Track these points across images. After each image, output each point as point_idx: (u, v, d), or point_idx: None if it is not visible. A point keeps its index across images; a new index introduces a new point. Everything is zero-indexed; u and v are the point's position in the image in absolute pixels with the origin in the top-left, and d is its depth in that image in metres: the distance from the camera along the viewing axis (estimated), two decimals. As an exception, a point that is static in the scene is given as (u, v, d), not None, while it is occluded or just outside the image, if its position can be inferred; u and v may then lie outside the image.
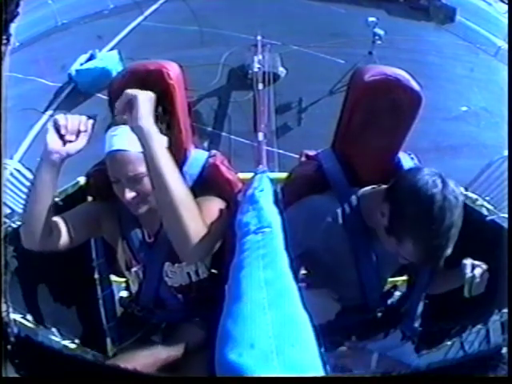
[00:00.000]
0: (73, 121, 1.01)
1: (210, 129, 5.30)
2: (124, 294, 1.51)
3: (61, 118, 1.01)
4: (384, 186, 1.17)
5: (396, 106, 1.18)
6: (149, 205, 1.16)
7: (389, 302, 1.38)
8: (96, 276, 1.65)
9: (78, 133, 1.02)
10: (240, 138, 5.01)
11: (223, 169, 1.31)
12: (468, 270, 1.14)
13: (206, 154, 1.35)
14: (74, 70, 5.99)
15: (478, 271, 1.14)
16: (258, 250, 0.73)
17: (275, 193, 1.06)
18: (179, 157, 1.21)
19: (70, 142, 1.01)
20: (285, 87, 5.75)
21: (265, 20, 6.68)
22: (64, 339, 1.55)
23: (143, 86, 1.05)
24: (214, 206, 1.19)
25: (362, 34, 6.09)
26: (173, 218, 0.97)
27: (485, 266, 1.16)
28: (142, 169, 1.07)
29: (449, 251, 1.03)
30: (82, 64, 6.06)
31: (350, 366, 1.26)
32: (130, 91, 0.98)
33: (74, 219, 1.19)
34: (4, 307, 1.23)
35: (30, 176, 2.18)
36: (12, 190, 2.27)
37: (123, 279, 1.51)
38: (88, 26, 7.28)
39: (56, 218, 1.13)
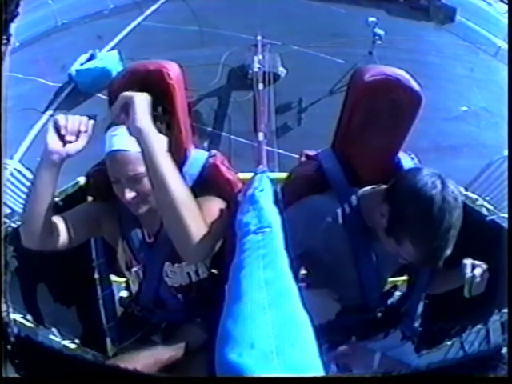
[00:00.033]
0: (73, 121, 1.01)
1: (210, 129, 5.30)
2: (124, 293, 1.51)
3: (61, 118, 1.01)
4: (384, 186, 1.17)
5: (396, 106, 1.18)
6: (149, 205, 1.16)
7: (389, 302, 1.38)
8: (96, 276, 1.65)
9: (79, 133, 1.01)
10: (240, 138, 5.01)
11: (223, 169, 1.31)
12: (468, 270, 1.14)
13: (205, 153, 1.35)
14: (74, 70, 6.00)
15: (478, 271, 1.14)
16: (258, 249, 0.73)
17: (275, 193, 1.06)
18: (179, 157, 1.21)
19: (70, 142, 1.01)
20: (285, 87, 5.76)
21: (265, 20, 6.69)
22: (64, 339, 1.55)
23: (143, 86, 1.05)
24: (215, 205, 1.19)
25: (362, 34, 6.10)
26: (174, 218, 0.97)
27: (485, 266, 1.15)
28: (142, 169, 1.07)
29: (448, 252, 1.03)
30: (82, 64, 6.07)
31: (350, 366, 1.26)
32: (125, 94, 0.98)
33: (73, 219, 1.19)
34: (4, 307, 1.23)
35: (30, 176, 2.17)
36: (12, 190, 2.27)
37: (123, 279, 1.51)
38: (88, 26, 7.28)
39: (56, 218, 1.13)
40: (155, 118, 1.03)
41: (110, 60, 6.03)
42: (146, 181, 1.10)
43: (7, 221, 1.58)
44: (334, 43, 6.52)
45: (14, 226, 1.53)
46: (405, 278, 1.52)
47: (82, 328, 1.70)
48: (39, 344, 0.88)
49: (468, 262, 1.16)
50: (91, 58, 6.15)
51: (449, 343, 1.61)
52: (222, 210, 1.17)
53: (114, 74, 5.18)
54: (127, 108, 0.97)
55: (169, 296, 1.34)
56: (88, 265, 1.62)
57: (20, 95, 5.19)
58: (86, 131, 1.02)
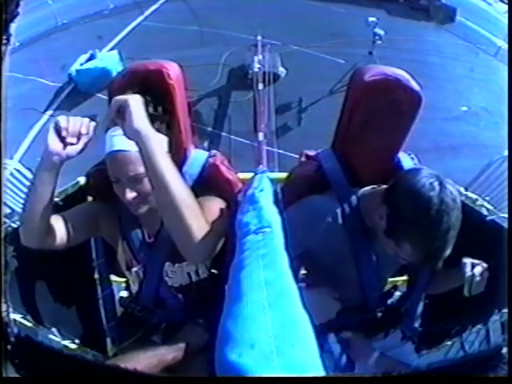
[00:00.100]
0: (74, 123, 1.00)
1: (210, 129, 5.30)
2: (124, 293, 1.51)
3: (62, 119, 1.00)
4: (384, 187, 1.17)
5: (396, 106, 1.18)
6: (149, 205, 1.16)
7: (389, 301, 1.38)
8: (96, 276, 1.65)
9: (79, 135, 1.00)
10: (240, 138, 5.01)
11: (223, 169, 1.31)
12: (468, 269, 1.14)
13: (205, 153, 1.35)
14: (74, 70, 6.00)
15: (477, 270, 1.14)
16: (258, 250, 0.73)
17: (275, 193, 1.06)
18: (179, 157, 1.21)
19: (71, 144, 1.00)
20: (285, 87, 5.76)
21: (265, 20, 6.69)
22: (64, 339, 1.55)
23: (143, 86, 1.05)
24: (215, 205, 1.19)
25: (362, 34, 6.10)
26: (175, 218, 0.97)
27: (485, 265, 1.15)
28: (143, 169, 1.06)
29: (447, 252, 1.03)
30: (82, 64, 6.07)
31: (352, 357, 1.27)
32: (119, 97, 0.96)
33: (73, 218, 1.19)
34: (4, 307, 1.23)
35: (30, 176, 2.18)
36: (12, 190, 2.27)
37: (123, 279, 1.51)
38: (88, 26, 7.28)
39: (55, 217, 1.13)
40: (155, 118, 1.03)
41: (109, 60, 6.03)
42: (146, 181, 1.09)
43: (7, 221, 1.58)
44: (334, 43, 6.52)
45: (14, 225, 1.53)
46: (405, 278, 1.52)
47: (82, 328, 1.70)
48: (39, 344, 0.88)
49: (468, 261, 1.16)
50: (91, 58, 6.15)
51: (449, 343, 1.61)
52: (222, 210, 1.17)
53: (114, 74, 5.19)
54: (122, 111, 0.95)
55: (169, 296, 1.33)
56: (88, 265, 1.62)
57: (20, 95, 5.19)
58: (87, 133, 1.01)
